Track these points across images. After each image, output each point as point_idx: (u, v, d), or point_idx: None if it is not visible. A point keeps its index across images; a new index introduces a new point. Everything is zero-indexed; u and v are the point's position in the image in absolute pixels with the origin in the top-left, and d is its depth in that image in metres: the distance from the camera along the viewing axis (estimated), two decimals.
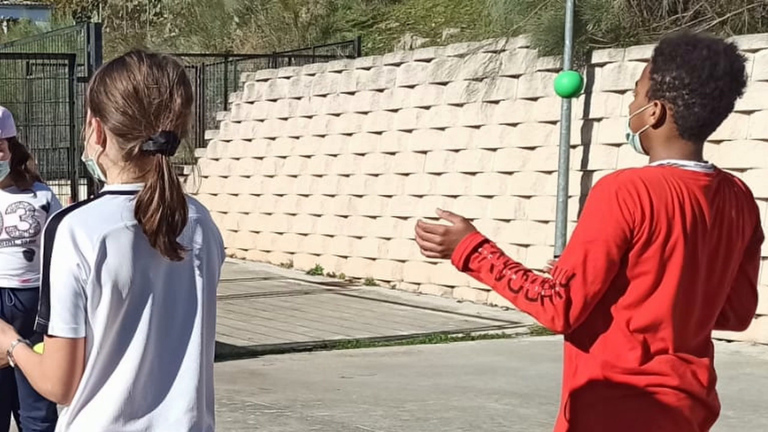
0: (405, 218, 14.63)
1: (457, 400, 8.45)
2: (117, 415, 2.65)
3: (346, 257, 15.71)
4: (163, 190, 2.60)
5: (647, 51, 10.97)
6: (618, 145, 12.12)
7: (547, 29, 12.97)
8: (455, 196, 14.05)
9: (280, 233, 17.02)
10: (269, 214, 17.31)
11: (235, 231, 17.80)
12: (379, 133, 15.36)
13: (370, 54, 17.57)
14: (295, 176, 16.83)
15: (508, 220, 13.40)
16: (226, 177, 18.28)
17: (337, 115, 16.15)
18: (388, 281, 14.89)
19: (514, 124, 13.50)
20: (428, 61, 14.75)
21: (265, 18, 21.47)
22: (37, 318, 2.63)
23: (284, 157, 17.10)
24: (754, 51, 11.01)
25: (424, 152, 14.63)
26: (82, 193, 10.95)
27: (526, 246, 13.11)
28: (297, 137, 16.89)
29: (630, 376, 3.09)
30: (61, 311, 2.59)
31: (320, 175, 16.32)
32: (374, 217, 15.27)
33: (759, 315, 9.75)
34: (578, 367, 3.16)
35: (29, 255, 5.72)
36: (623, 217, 3.02)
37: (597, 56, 12.64)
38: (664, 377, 3.10)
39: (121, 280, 2.61)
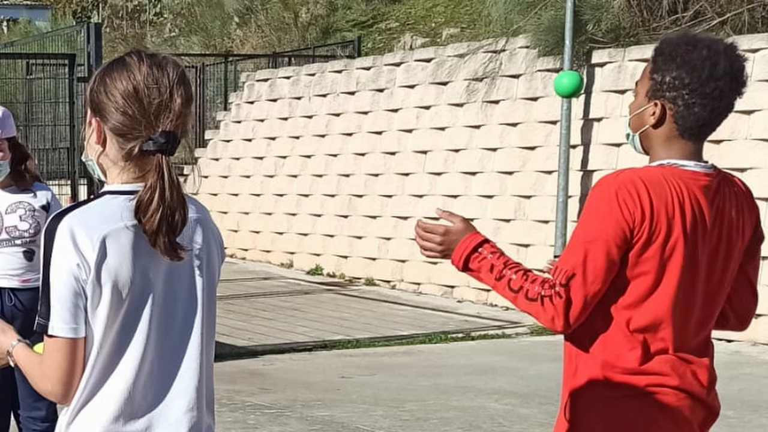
0: (405, 218, 14.62)
1: (457, 400, 8.45)
2: (117, 415, 2.65)
3: (346, 257, 15.71)
4: (163, 190, 2.60)
5: (647, 51, 10.96)
6: (618, 145, 12.12)
7: (547, 29, 12.97)
8: (455, 196, 14.05)
9: (280, 233, 17.02)
10: (269, 214, 17.31)
11: (235, 231, 17.80)
12: (379, 133, 15.35)
13: (370, 54, 17.56)
14: (295, 176, 16.83)
15: (508, 220, 13.40)
16: (226, 177, 18.27)
17: (337, 115, 16.15)
18: (388, 281, 14.88)
19: (514, 124, 13.50)
20: (428, 61, 14.75)
21: (265, 18, 21.47)
22: (37, 318, 2.63)
23: (284, 157, 17.10)
24: (754, 51, 11.01)
25: (424, 152, 14.63)
26: (82, 193, 10.94)
27: (526, 246, 13.11)
28: (297, 137, 16.89)
29: (630, 376, 3.09)
30: (61, 311, 2.59)
31: (320, 175, 16.32)
32: (374, 217, 15.27)
33: (759, 315, 9.74)
34: (578, 367, 3.16)
35: (29, 255, 5.73)
36: (623, 217, 3.02)
37: (597, 56, 12.64)
38: (664, 377, 3.10)
39: (121, 280, 2.61)
